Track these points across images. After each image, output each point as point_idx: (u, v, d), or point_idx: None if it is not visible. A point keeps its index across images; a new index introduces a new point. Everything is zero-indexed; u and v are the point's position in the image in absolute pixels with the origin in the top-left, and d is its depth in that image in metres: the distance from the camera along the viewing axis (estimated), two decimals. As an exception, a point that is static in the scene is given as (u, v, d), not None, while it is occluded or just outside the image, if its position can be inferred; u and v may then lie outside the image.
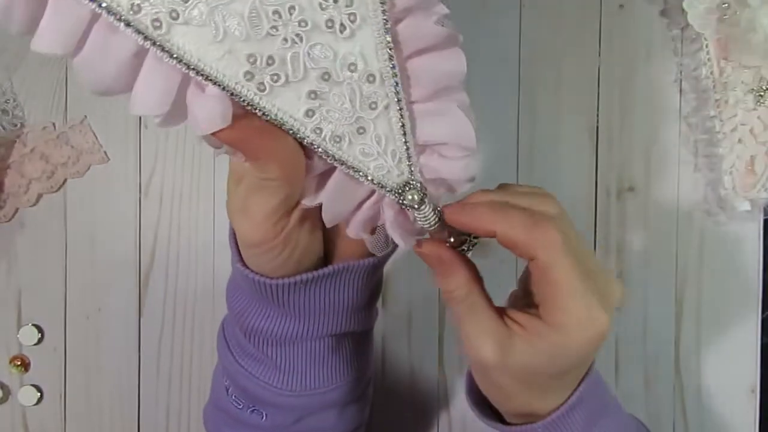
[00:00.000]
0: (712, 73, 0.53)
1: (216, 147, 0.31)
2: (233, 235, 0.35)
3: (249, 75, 0.28)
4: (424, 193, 0.31)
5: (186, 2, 0.27)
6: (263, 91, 0.29)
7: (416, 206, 0.31)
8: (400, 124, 0.30)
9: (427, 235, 0.33)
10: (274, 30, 0.28)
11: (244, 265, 0.34)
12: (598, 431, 0.36)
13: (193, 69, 0.28)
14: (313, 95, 0.29)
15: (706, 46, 0.53)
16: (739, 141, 0.54)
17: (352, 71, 0.29)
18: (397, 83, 0.30)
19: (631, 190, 0.56)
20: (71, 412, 0.57)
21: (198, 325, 0.56)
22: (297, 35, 0.28)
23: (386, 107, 0.30)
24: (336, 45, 0.29)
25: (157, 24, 0.27)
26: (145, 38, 0.27)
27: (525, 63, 0.56)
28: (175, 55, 0.27)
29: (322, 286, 0.35)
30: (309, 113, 0.29)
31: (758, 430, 0.57)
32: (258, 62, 0.28)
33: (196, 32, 0.27)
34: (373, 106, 0.30)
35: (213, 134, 0.28)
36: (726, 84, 0.53)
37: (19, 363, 0.56)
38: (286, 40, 0.28)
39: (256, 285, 0.34)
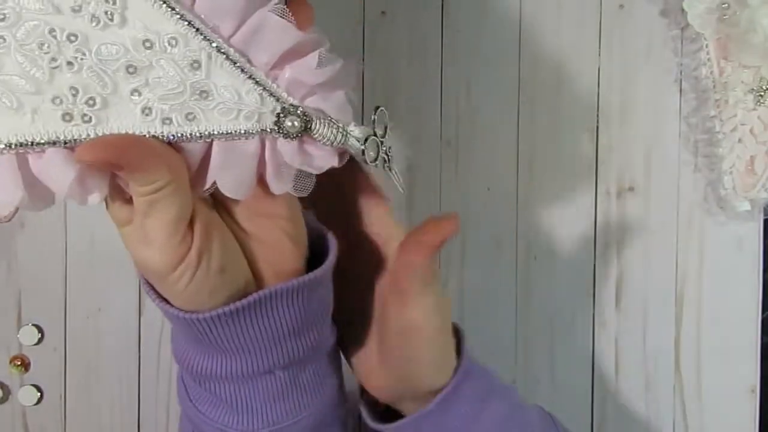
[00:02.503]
0: (712, 73, 0.53)
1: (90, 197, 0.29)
2: (145, 280, 0.33)
3: (67, 116, 0.27)
4: (304, 113, 0.29)
5: None
6: (90, 121, 0.27)
7: (304, 129, 0.29)
8: (232, 63, 0.28)
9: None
10: (54, 62, 0.27)
11: (167, 302, 0.32)
12: (489, 414, 0.37)
13: (18, 146, 0.27)
14: (136, 93, 0.28)
15: (706, 46, 0.53)
16: (739, 141, 0.54)
17: (149, 48, 0.27)
18: (198, 30, 0.27)
19: (631, 190, 0.56)
20: (71, 412, 0.57)
21: (198, 325, 0.56)
22: (77, 52, 0.27)
23: (209, 58, 0.28)
24: (118, 36, 0.27)
25: None
26: None
27: (525, 63, 0.56)
28: None
29: (252, 316, 0.32)
30: (145, 111, 0.28)
31: (758, 430, 0.57)
32: (64, 101, 0.27)
33: None
34: (196, 65, 0.28)
35: (89, 165, 0.27)
36: (726, 84, 0.53)
37: (19, 363, 0.56)
38: (71, 63, 0.27)
39: (183, 323, 0.32)
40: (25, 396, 0.56)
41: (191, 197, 0.30)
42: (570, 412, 0.56)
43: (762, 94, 0.53)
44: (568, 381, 0.56)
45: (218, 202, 0.33)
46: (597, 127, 0.56)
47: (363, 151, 0.31)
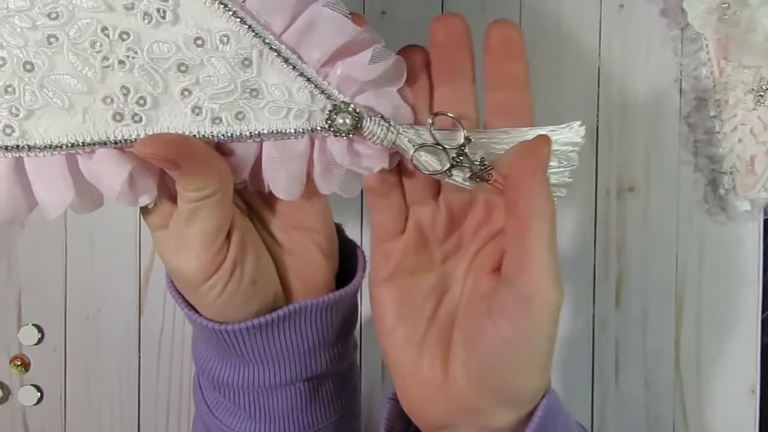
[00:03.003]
0: (712, 73, 0.53)
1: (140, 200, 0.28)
2: (172, 286, 0.32)
3: (118, 116, 0.27)
4: (355, 110, 0.28)
5: (14, 93, 0.26)
6: (140, 121, 0.27)
7: (354, 126, 0.28)
8: (283, 61, 0.27)
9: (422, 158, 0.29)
10: (106, 61, 0.27)
11: (196, 311, 0.32)
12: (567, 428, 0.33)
13: (69, 147, 0.27)
14: (186, 92, 0.27)
15: (706, 46, 0.53)
16: (739, 141, 0.54)
17: (201, 45, 0.27)
18: (250, 27, 0.27)
19: (631, 190, 0.56)
20: (71, 412, 0.57)
21: (198, 325, 0.56)
22: (129, 50, 0.27)
23: (261, 55, 0.27)
24: (170, 34, 0.27)
25: (9, 130, 0.26)
26: (7, 150, 0.26)
27: (525, 63, 0.56)
28: (44, 146, 0.27)
29: (280, 329, 0.32)
30: (195, 111, 0.28)
31: (758, 430, 0.57)
32: (116, 100, 0.27)
33: (45, 113, 0.27)
34: (247, 62, 0.27)
35: (147, 159, 0.27)
36: (726, 84, 0.53)
37: (19, 363, 0.56)
38: (123, 62, 0.27)
39: (210, 333, 0.32)
40: (25, 396, 0.56)
41: (231, 207, 0.30)
42: (570, 412, 0.56)
43: (762, 94, 0.53)
44: (569, 381, 0.56)
45: (253, 212, 0.33)
46: (597, 127, 0.56)
47: (413, 156, 0.29)
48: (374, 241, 0.32)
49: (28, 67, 0.26)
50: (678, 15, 0.54)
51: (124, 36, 0.26)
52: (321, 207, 0.33)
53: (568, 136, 0.30)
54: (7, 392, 0.56)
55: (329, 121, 0.28)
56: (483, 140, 0.30)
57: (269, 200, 0.32)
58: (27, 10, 0.26)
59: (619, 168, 0.56)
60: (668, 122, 0.56)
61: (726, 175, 0.54)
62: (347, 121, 0.28)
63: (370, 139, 0.28)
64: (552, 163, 0.30)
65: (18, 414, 0.56)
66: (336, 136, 0.28)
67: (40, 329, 0.56)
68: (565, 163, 0.30)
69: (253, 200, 0.33)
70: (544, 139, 0.28)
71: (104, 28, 0.26)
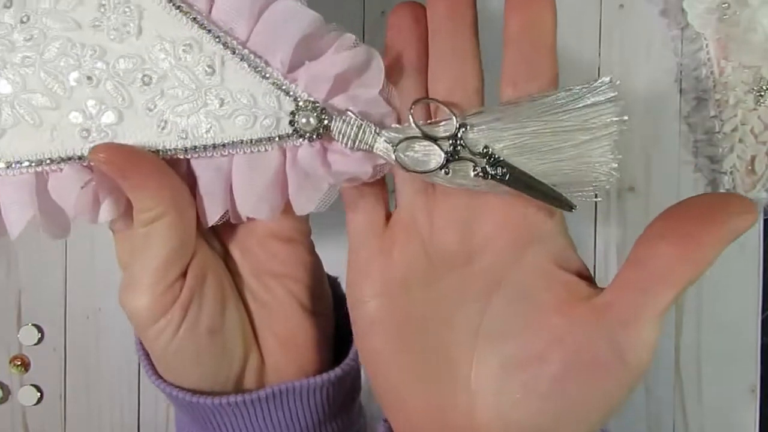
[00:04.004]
0: (712, 73, 0.53)
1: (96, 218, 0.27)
2: (140, 345, 0.29)
3: (85, 132, 0.27)
4: (321, 109, 0.25)
5: None
6: (107, 136, 0.27)
7: (320, 126, 0.25)
8: (247, 65, 0.26)
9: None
10: (74, 77, 0.27)
11: (161, 378, 0.28)
12: None
13: (36, 164, 0.27)
14: (152, 105, 0.27)
15: (706, 46, 0.53)
16: (739, 141, 0.54)
17: (164, 57, 0.26)
18: (212, 33, 0.26)
19: (631, 190, 0.56)
20: (71, 412, 0.57)
21: (198, 325, 0.56)
22: (96, 66, 0.27)
23: (223, 62, 0.26)
24: (134, 47, 0.27)
25: None
26: None
27: (525, 63, 0.55)
28: (12, 163, 0.27)
29: (260, 408, 0.28)
30: (161, 125, 0.27)
31: (758, 430, 0.57)
32: (83, 116, 0.27)
33: (15, 132, 0.27)
34: (210, 70, 0.26)
35: (100, 168, 0.26)
36: (726, 84, 0.53)
37: (19, 363, 0.56)
38: (90, 78, 0.27)
39: (182, 404, 0.28)
40: (25, 396, 0.56)
41: (193, 239, 0.27)
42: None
43: (762, 94, 0.53)
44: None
45: (226, 251, 0.29)
46: (597, 127, 0.56)
47: (396, 156, 0.25)
48: (352, 247, 0.27)
49: (7, 89, 0.27)
50: (678, 15, 0.54)
51: (92, 52, 0.27)
52: (302, 254, 0.29)
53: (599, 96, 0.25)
54: (7, 392, 0.56)
55: (293, 123, 0.26)
56: (487, 124, 0.25)
57: (243, 240, 0.29)
58: (7, 35, 0.27)
59: (619, 168, 0.56)
60: (668, 122, 0.56)
61: (726, 175, 0.54)
62: (311, 120, 0.25)
63: (341, 141, 0.25)
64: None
65: (18, 414, 0.56)
66: (302, 139, 0.26)
67: (40, 329, 0.56)
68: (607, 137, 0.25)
69: (225, 240, 0.29)
70: (750, 213, 0.23)
71: (74, 46, 0.27)
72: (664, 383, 0.57)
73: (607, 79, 0.25)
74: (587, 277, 0.26)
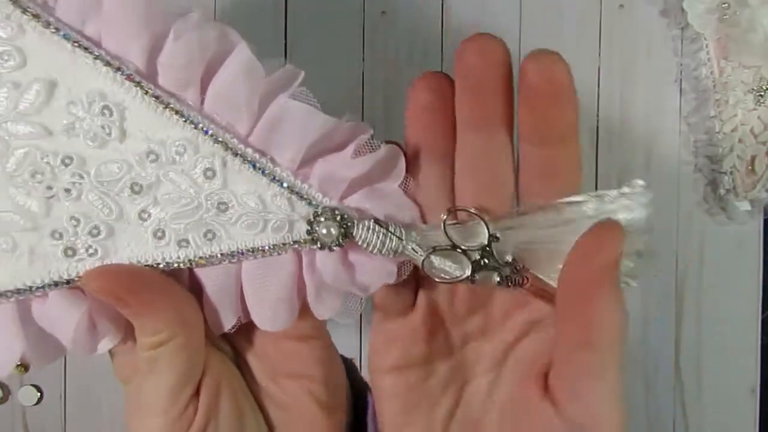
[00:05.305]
0: (712, 73, 0.53)
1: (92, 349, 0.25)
2: None
3: (69, 251, 0.24)
4: (342, 216, 0.23)
5: None
6: (96, 253, 0.24)
7: (343, 235, 0.23)
8: (251, 166, 0.23)
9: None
10: (50, 191, 0.23)
11: None
12: None
13: (18, 293, 0.24)
14: (145, 215, 0.24)
15: (706, 46, 0.53)
16: (739, 141, 0.54)
17: (155, 160, 0.23)
18: (207, 133, 0.23)
19: (631, 190, 0.56)
20: (71, 412, 0.57)
21: (198, 325, 0.56)
22: (73, 176, 0.23)
23: (224, 163, 0.24)
24: (118, 152, 0.23)
25: None
26: None
27: (525, 63, 0.55)
28: None
29: None
30: (158, 235, 0.24)
31: (758, 430, 0.57)
32: (65, 234, 0.24)
33: None
34: (210, 173, 0.23)
35: (96, 296, 0.23)
36: (726, 84, 0.53)
37: (19, 363, 0.56)
38: (68, 190, 0.23)
39: None
40: (25, 396, 0.56)
41: (203, 353, 0.25)
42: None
43: (762, 94, 0.53)
44: (568, 381, 0.56)
45: (239, 356, 0.28)
46: (597, 127, 0.56)
47: (424, 264, 0.23)
48: (376, 319, 0.27)
49: None
50: (678, 15, 0.54)
51: (67, 161, 0.23)
52: (318, 351, 0.27)
53: (628, 203, 0.23)
54: (7, 392, 0.56)
55: (311, 233, 0.23)
56: (514, 230, 0.24)
57: (256, 342, 0.27)
58: None
59: (619, 168, 0.56)
60: (668, 122, 0.56)
61: (726, 175, 0.54)
62: (332, 230, 0.23)
63: (366, 248, 0.23)
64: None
65: (18, 414, 0.56)
66: (322, 249, 0.23)
67: (40, 329, 0.56)
68: (635, 243, 0.23)
69: (237, 342, 0.28)
70: (615, 233, 0.22)
71: (44, 155, 0.23)
72: (663, 383, 0.57)
73: (639, 183, 0.24)
74: None
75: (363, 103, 0.54)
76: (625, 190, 0.24)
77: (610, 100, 0.56)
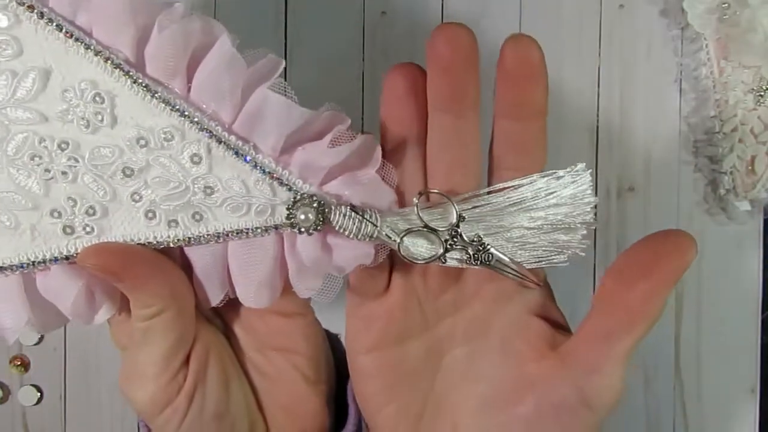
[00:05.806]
0: (712, 73, 0.53)
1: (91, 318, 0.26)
2: (143, 423, 0.29)
3: (68, 229, 0.25)
4: (319, 203, 0.24)
5: None
6: (92, 231, 0.25)
7: (321, 221, 0.24)
8: (234, 153, 0.25)
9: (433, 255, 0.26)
10: (48, 173, 0.25)
11: None
12: None
13: (20, 267, 0.25)
14: (137, 196, 0.25)
15: (706, 46, 0.53)
16: (739, 141, 0.54)
17: (144, 146, 0.25)
18: (193, 121, 0.25)
19: (631, 190, 0.56)
20: (71, 412, 0.57)
21: (198, 325, 0.56)
22: (69, 159, 0.25)
23: (209, 151, 0.25)
24: (110, 137, 0.25)
25: None
26: None
27: (525, 63, 0.55)
28: None
29: None
30: (149, 215, 0.25)
31: (758, 430, 0.57)
32: (64, 213, 0.25)
33: None
34: (196, 159, 0.25)
35: (91, 271, 0.25)
36: (726, 84, 0.53)
37: (19, 363, 0.56)
38: (65, 173, 0.25)
39: None
40: (25, 396, 0.56)
41: (194, 325, 0.27)
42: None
43: (762, 94, 0.53)
44: (568, 381, 0.56)
45: (227, 326, 0.29)
46: (597, 127, 0.56)
47: (399, 247, 0.25)
48: (351, 303, 0.28)
49: None
50: (678, 15, 0.54)
51: (63, 145, 0.25)
52: (304, 327, 0.29)
53: (573, 179, 0.27)
54: (7, 392, 0.56)
55: (290, 218, 0.25)
56: (480, 209, 0.26)
57: (244, 316, 0.29)
58: None
59: (619, 168, 0.56)
60: (668, 122, 0.56)
61: (726, 175, 0.54)
62: (310, 216, 0.24)
63: (342, 232, 0.25)
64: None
65: (18, 414, 0.56)
66: (301, 233, 0.25)
67: (40, 329, 0.56)
68: (576, 220, 0.27)
69: (227, 315, 0.29)
70: (691, 249, 0.24)
71: (42, 140, 0.25)
72: (663, 382, 0.57)
73: (581, 166, 0.27)
74: (562, 326, 0.28)
75: (363, 103, 0.54)
76: (569, 169, 0.27)
77: (610, 100, 0.56)
